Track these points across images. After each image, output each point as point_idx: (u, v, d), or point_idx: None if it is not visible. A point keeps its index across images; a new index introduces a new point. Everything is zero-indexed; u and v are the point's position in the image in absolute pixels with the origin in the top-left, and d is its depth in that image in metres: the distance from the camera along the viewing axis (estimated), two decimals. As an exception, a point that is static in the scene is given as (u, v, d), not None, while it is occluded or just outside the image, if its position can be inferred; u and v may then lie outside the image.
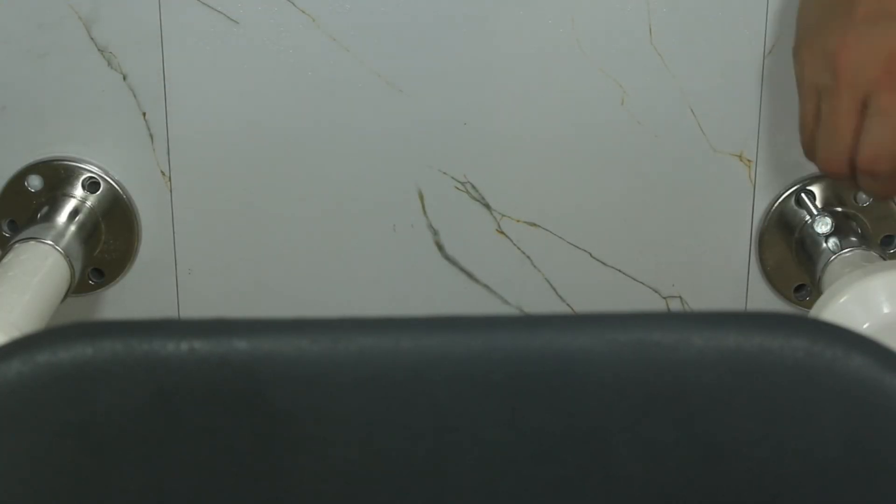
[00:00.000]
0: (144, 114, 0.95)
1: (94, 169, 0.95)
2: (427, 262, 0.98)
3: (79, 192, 0.95)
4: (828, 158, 0.81)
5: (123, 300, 0.99)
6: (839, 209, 0.95)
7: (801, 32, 0.82)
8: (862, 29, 0.78)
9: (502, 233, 0.98)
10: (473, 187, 0.96)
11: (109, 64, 0.93)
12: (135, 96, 0.94)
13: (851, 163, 0.79)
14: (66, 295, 0.90)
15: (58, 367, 0.50)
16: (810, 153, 0.83)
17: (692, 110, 0.94)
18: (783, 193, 0.96)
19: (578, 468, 0.51)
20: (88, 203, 0.95)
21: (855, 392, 0.49)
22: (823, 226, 0.93)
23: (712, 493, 0.51)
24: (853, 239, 0.92)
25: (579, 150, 0.96)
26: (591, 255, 0.98)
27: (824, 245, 0.92)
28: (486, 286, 0.99)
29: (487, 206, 0.97)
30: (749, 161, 0.96)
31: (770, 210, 0.96)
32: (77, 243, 0.92)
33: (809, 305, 0.96)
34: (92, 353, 0.50)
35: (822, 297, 0.81)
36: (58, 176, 0.95)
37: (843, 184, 0.84)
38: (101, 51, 0.93)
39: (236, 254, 0.98)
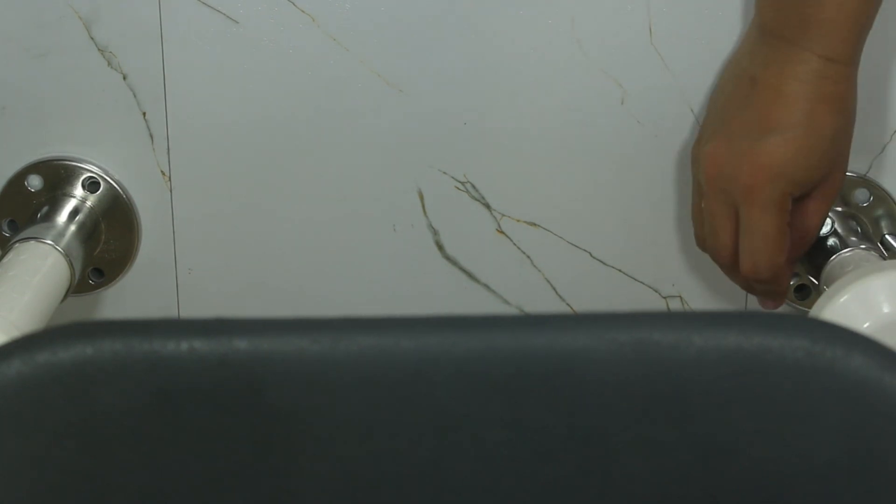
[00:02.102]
0: (144, 114, 0.95)
1: (94, 169, 0.95)
2: (427, 261, 0.98)
3: (79, 191, 0.95)
4: (715, 256, 0.84)
5: (123, 300, 0.99)
6: (839, 209, 0.95)
7: (700, 130, 0.84)
8: (734, 141, 0.79)
9: (502, 232, 0.98)
10: (473, 187, 0.96)
11: (109, 64, 0.93)
12: (135, 96, 0.94)
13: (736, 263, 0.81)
14: (67, 295, 0.90)
15: (58, 366, 0.50)
16: (700, 244, 0.85)
17: (692, 110, 0.94)
18: (783, 193, 0.96)
19: (578, 468, 0.51)
20: (88, 203, 0.95)
21: (855, 392, 0.49)
22: (824, 225, 0.93)
23: (712, 492, 0.51)
24: (853, 239, 0.92)
25: (579, 150, 0.96)
26: (591, 254, 0.98)
27: (824, 245, 0.92)
28: (486, 286, 0.99)
29: (487, 206, 0.97)
30: (749, 161, 0.96)
31: (770, 210, 0.96)
32: (77, 243, 0.92)
33: (809, 305, 0.96)
34: (92, 353, 0.50)
35: (823, 297, 0.81)
36: (58, 176, 0.95)
37: (735, 279, 0.85)
38: (101, 50, 0.93)
39: (236, 254, 0.98)
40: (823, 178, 0.80)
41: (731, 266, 0.83)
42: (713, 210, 0.81)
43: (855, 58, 0.78)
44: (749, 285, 0.84)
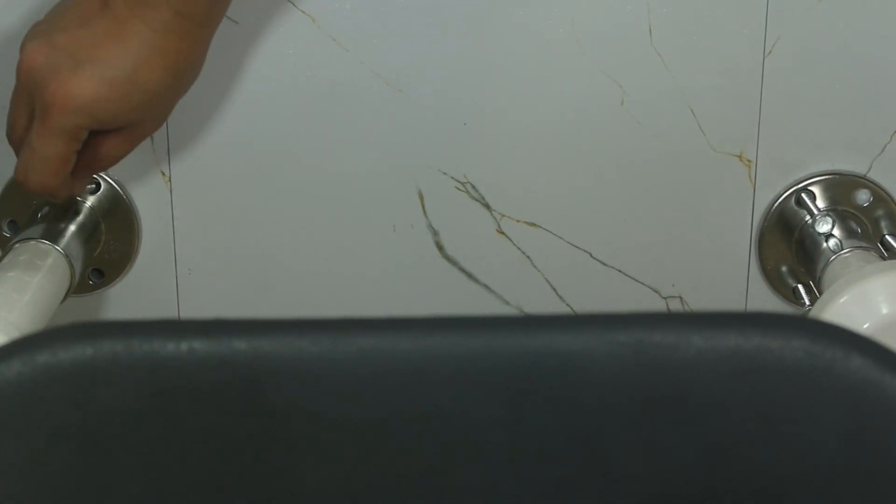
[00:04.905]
0: (144, 114, 0.95)
1: (95, 169, 0.95)
2: (427, 262, 0.98)
3: (79, 192, 0.95)
4: (7, 136, 0.81)
5: (123, 300, 0.99)
6: (840, 209, 0.95)
7: (45, 16, 0.80)
8: (57, 52, 0.75)
9: (502, 233, 0.98)
10: (473, 187, 0.96)
11: (109, 64, 0.93)
12: (135, 96, 0.94)
13: None
14: (67, 295, 0.90)
15: (58, 367, 0.50)
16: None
17: (692, 110, 0.94)
18: (783, 193, 0.96)
19: (578, 468, 0.51)
20: (88, 203, 0.95)
21: (855, 392, 0.49)
22: (824, 225, 0.93)
23: (712, 492, 0.51)
24: (853, 239, 0.92)
25: (579, 151, 0.96)
26: (591, 255, 0.98)
27: (824, 245, 0.92)
28: (486, 286, 0.99)
29: (487, 207, 0.97)
30: (749, 161, 0.96)
31: (770, 210, 0.96)
32: (77, 244, 0.92)
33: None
34: (92, 354, 0.50)
35: (822, 298, 0.81)
36: (58, 176, 0.95)
37: None
38: (101, 51, 0.93)
39: (236, 254, 0.98)
40: (132, 123, 0.78)
41: (15, 151, 0.80)
42: (15, 100, 0.79)
43: (209, 19, 0.76)
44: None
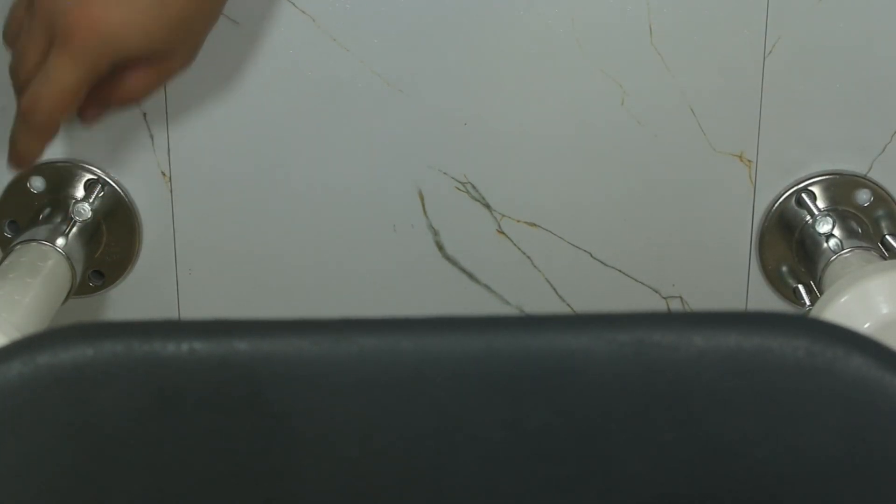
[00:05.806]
0: (145, 114, 0.95)
1: (96, 170, 0.95)
2: (427, 262, 0.98)
3: (80, 193, 0.95)
4: (12, 70, 0.75)
5: (124, 301, 0.99)
6: (840, 209, 0.95)
7: None
8: None
9: (503, 233, 0.98)
10: (474, 187, 0.96)
11: (110, 65, 0.93)
12: (135, 97, 0.94)
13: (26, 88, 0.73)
14: (68, 296, 0.90)
15: (58, 368, 0.50)
16: (6, 40, 0.77)
17: (692, 110, 0.94)
18: (783, 193, 0.96)
19: (578, 468, 0.51)
20: (90, 205, 0.95)
21: (855, 392, 0.49)
22: (824, 225, 0.93)
23: (712, 492, 0.51)
24: (854, 239, 0.92)
25: (579, 151, 0.96)
26: (591, 255, 0.98)
27: (825, 245, 0.92)
28: (486, 286, 0.99)
29: (488, 207, 0.97)
30: (749, 161, 0.96)
31: (770, 210, 0.96)
32: (78, 245, 0.92)
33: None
34: (92, 355, 0.50)
35: (823, 298, 0.81)
36: (60, 177, 0.95)
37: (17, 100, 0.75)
38: (101, 52, 0.93)
39: (236, 254, 0.98)
40: (158, 55, 0.73)
41: (19, 88, 0.74)
42: (30, 28, 0.73)
43: None
44: (20, 118, 0.75)
